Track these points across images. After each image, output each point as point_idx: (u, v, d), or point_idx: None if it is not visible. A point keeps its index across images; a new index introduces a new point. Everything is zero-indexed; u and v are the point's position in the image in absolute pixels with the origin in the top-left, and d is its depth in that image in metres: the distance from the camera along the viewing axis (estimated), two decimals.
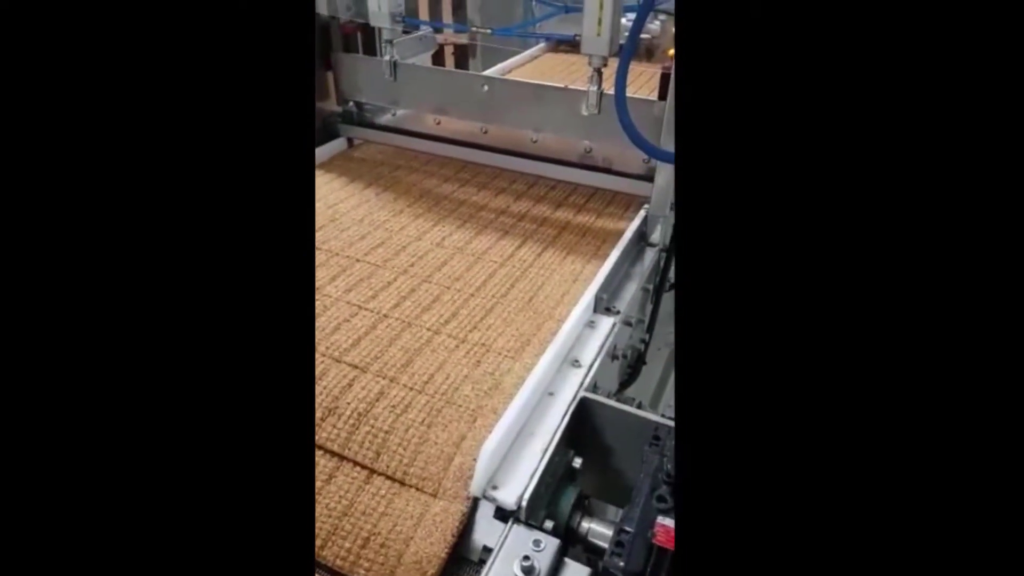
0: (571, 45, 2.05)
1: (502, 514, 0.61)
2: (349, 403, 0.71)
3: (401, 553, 0.60)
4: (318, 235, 1.04)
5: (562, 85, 1.15)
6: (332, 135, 1.35)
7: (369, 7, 1.15)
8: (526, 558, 0.56)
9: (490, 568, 0.57)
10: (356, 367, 0.76)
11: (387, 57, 1.21)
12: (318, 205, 1.14)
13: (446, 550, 0.60)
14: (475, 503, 0.63)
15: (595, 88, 1.06)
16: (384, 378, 0.74)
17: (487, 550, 0.61)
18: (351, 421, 0.70)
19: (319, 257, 0.98)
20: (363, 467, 0.68)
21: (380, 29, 1.19)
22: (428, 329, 0.83)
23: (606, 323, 0.86)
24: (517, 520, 0.60)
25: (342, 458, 0.69)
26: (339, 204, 1.15)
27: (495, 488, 0.62)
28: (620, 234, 1.04)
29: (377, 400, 0.72)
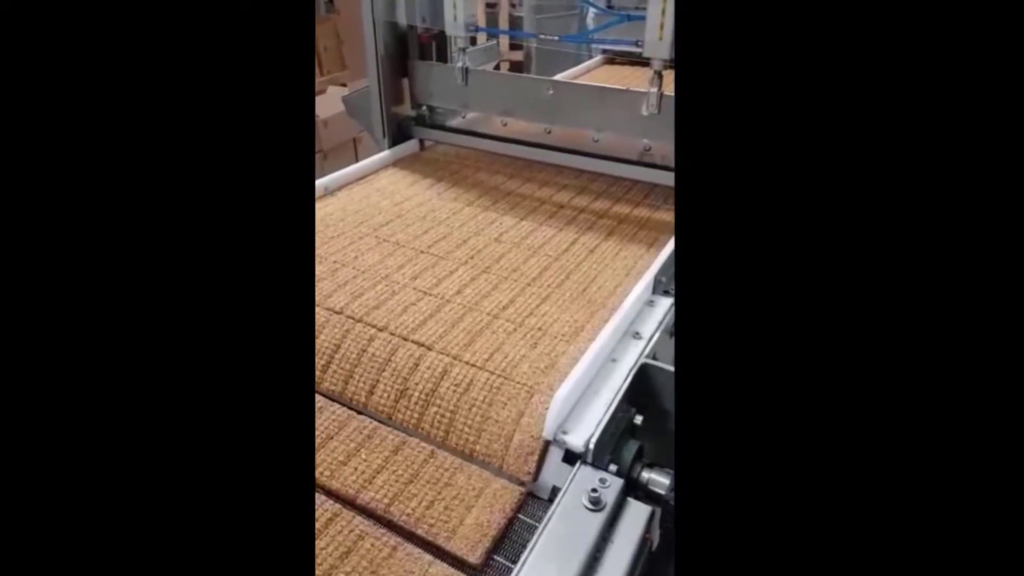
0: (627, 57, 2.13)
1: (570, 457, 0.68)
2: (417, 383, 0.78)
3: (463, 517, 0.66)
4: (385, 228, 1.12)
5: (623, 87, 1.22)
6: (405, 137, 1.46)
7: (446, 18, 1.26)
8: (594, 490, 0.62)
9: (560, 501, 0.63)
10: (422, 345, 0.82)
11: (460, 64, 1.31)
12: (384, 203, 1.21)
13: (506, 519, 0.65)
14: (546, 447, 0.69)
15: (655, 89, 1.13)
16: (448, 355, 0.80)
17: (556, 489, 0.67)
18: (420, 402, 0.77)
19: (386, 248, 1.06)
20: (429, 442, 0.74)
21: (454, 38, 1.29)
22: (487, 314, 0.89)
23: (665, 303, 0.92)
24: (584, 462, 0.67)
25: (408, 434, 0.76)
26: (405, 202, 1.22)
27: (564, 433, 0.68)
28: None
29: (442, 379, 0.78)
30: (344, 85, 3.11)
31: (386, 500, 0.67)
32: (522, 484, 0.69)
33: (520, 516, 0.67)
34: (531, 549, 0.58)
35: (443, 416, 0.75)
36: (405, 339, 0.84)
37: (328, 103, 2.84)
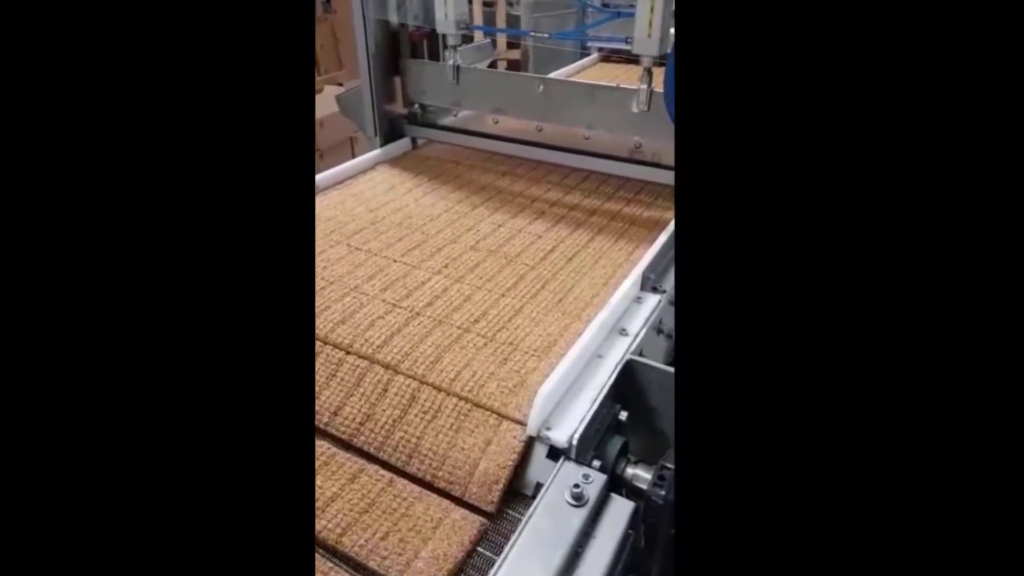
0: (621, 55, 2.13)
1: (554, 453, 0.68)
2: (385, 409, 0.76)
3: (419, 549, 0.63)
4: (358, 236, 1.08)
5: (614, 84, 1.22)
6: (398, 135, 1.46)
7: (436, 16, 1.26)
8: (576, 486, 0.62)
9: (543, 496, 0.63)
10: (389, 367, 0.79)
11: (451, 62, 1.31)
12: (359, 209, 1.18)
13: (464, 552, 0.63)
14: (530, 443, 0.69)
15: (645, 86, 1.13)
16: (415, 379, 0.77)
17: (539, 485, 0.67)
18: (386, 427, 0.74)
19: (357, 257, 1.02)
20: (391, 467, 0.72)
21: (445, 36, 1.29)
22: (458, 327, 0.86)
23: (652, 299, 0.92)
24: (568, 457, 0.67)
25: (370, 458, 0.73)
26: (381, 208, 1.19)
27: (548, 429, 0.68)
28: (666, 224, 1.10)
29: (410, 405, 0.75)
30: (340, 84, 3.10)
31: (338, 530, 0.65)
32: (484, 514, 0.67)
33: (480, 549, 0.64)
34: (512, 544, 0.58)
35: (408, 441, 0.73)
36: (372, 361, 0.80)
37: (324, 102, 2.83)
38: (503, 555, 0.58)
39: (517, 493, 0.69)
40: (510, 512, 0.68)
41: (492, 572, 0.56)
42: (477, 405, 0.74)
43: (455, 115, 1.44)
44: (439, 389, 0.76)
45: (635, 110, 1.16)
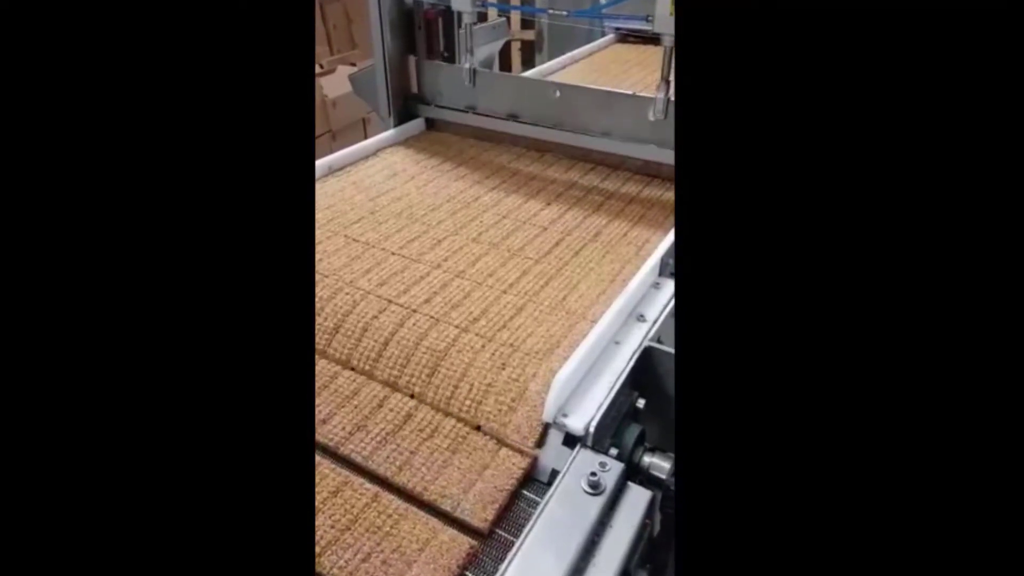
0: (638, 35, 2.08)
1: (570, 441, 0.67)
2: (378, 423, 0.73)
3: (402, 573, 0.59)
4: (356, 226, 1.05)
5: (631, 92, 1.19)
6: (412, 115, 1.44)
7: None
8: (593, 474, 0.61)
9: (559, 484, 0.62)
10: (386, 383, 0.78)
11: (467, 65, 1.30)
12: (359, 197, 1.14)
13: None
14: (546, 429, 0.68)
15: (663, 95, 1.12)
16: (412, 396, 0.76)
17: (555, 472, 0.66)
18: (379, 438, 0.72)
19: (354, 249, 0.99)
20: (377, 480, 0.68)
21: (460, 13, 1.27)
22: (456, 326, 0.81)
23: (671, 285, 0.90)
24: (584, 445, 0.66)
25: (355, 469, 0.69)
26: (381, 197, 1.15)
27: (565, 416, 0.67)
28: None
29: (405, 422, 0.73)
30: (354, 64, 3.08)
31: (316, 551, 0.61)
32: (474, 534, 0.63)
33: (467, 574, 0.60)
34: (528, 532, 0.58)
35: (401, 454, 0.70)
36: (370, 376, 0.79)
37: (337, 82, 2.82)
38: (518, 543, 0.57)
39: (532, 479, 0.68)
40: (502, 534, 0.63)
41: (507, 560, 0.56)
42: (475, 428, 0.72)
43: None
44: (436, 408, 0.74)
45: (652, 119, 1.14)
